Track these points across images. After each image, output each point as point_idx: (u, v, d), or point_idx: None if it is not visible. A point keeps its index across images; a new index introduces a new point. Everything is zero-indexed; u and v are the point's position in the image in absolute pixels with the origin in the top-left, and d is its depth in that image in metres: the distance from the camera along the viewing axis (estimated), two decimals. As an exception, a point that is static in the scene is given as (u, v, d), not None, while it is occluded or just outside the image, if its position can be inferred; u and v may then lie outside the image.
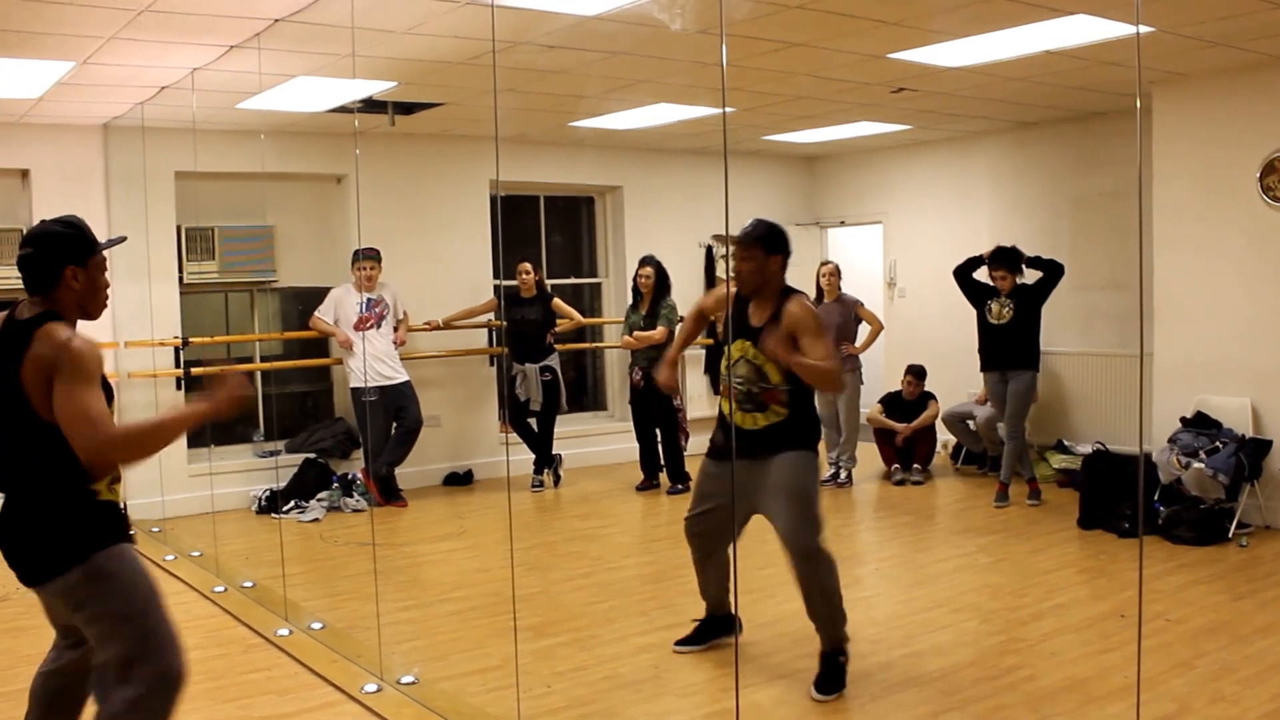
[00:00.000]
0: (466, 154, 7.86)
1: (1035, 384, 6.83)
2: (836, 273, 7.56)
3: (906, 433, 7.66)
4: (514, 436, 7.68)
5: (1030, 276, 6.75)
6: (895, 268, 9.16)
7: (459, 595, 5.12)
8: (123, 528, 2.62)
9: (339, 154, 7.36)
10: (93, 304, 2.62)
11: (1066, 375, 7.70)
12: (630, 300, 7.65)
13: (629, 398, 7.73)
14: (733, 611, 4.04)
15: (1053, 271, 6.62)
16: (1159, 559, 5.38)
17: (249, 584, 5.29)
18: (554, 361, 7.62)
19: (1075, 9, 4.59)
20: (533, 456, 7.70)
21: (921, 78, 6.01)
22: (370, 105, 6.36)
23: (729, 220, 3.67)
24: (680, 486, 7.39)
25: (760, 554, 4.86)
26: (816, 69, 5.75)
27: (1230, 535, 5.67)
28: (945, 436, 8.04)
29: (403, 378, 7.18)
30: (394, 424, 7.15)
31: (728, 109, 6.92)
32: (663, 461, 7.55)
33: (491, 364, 8.22)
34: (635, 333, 7.40)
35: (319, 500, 7.02)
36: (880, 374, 8.84)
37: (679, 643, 4.22)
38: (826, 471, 7.52)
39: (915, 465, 7.67)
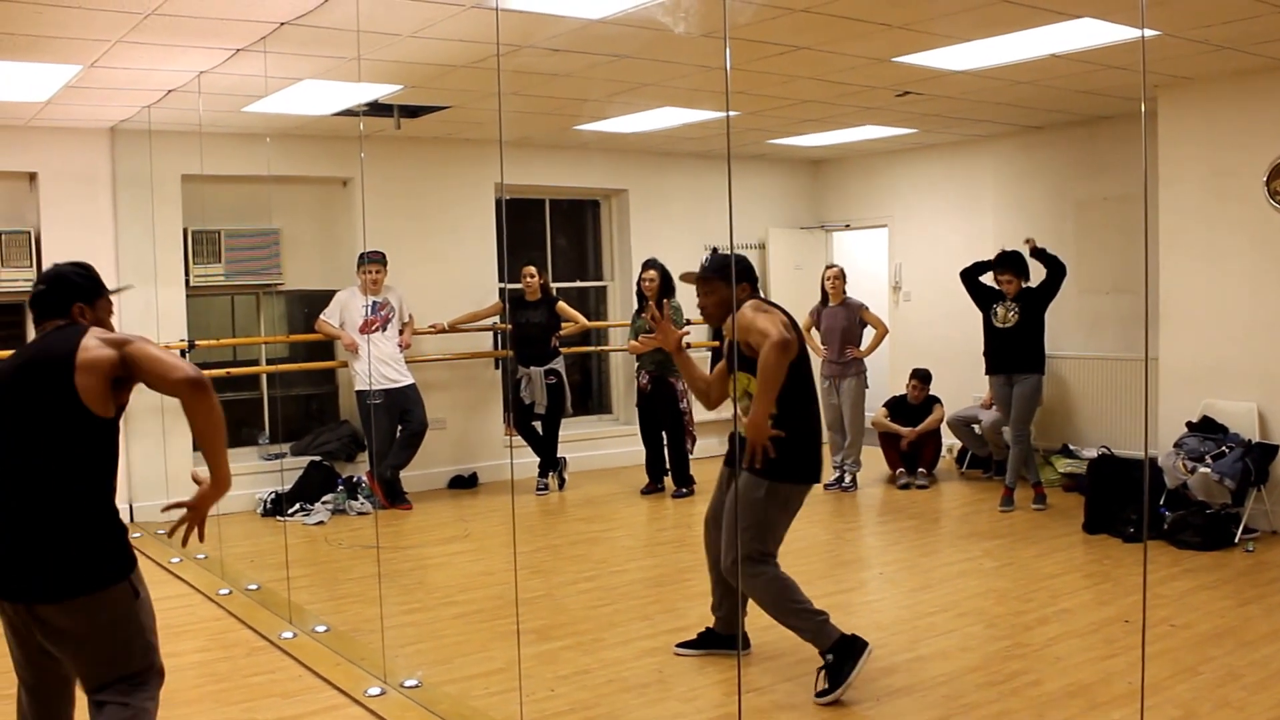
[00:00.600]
0: (472, 157, 7.87)
1: (1040, 388, 6.82)
2: (841, 276, 7.57)
3: (911, 436, 7.65)
4: (519, 440, 7.68)
5: (1034, 279, 6.74)
6: (900, 271, 9.14)
7: (463, 598, 5.12)
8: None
9: (344, 157, 7.38)
10: None
11: (1072, 379, 7.68)
12: (635, 304, 7.65)
13: (635, 401, 7.72)
14: (740, 630, 4.02)
15: (1056, 271, 6.62)
16: (1164, 564, 5.37)
17: (254, 587, 5.30)
18: (559, 365, 7.62)
19: (1081, 13, 4.58)
20: (537, 460, 7.70)
21: (926, 81, 6.01)
22: (376, 108, 6.38)
23: (733, 223, 3.68)
24: (685, 490, 7.39)
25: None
26: (821, 72, 5.75)
27: (1236, 540, 5.65)
28: (950, 440, 8.03)
29: (408, 381, 7.19)
30: (399, 427, 7.17)
31: (732, 112, 6.94)
32: (668, 465, 7.55)
33: (496, 367, 8.22)
34: (641, 336, 7.38)
35: (324, 503, 7.02)
36: (885, 378, 8.82)
37: (680, 645, 4.24)
38: (831, 475, 7.53)
39: (920, 469, 7.66)
